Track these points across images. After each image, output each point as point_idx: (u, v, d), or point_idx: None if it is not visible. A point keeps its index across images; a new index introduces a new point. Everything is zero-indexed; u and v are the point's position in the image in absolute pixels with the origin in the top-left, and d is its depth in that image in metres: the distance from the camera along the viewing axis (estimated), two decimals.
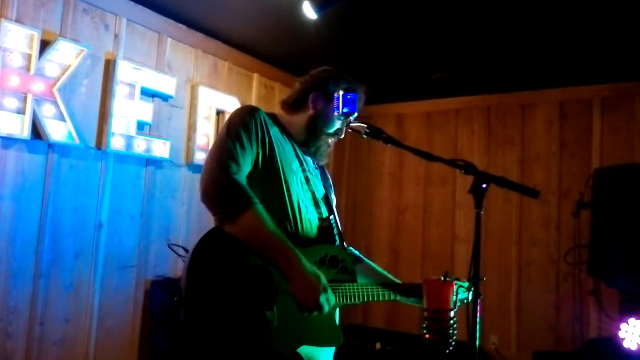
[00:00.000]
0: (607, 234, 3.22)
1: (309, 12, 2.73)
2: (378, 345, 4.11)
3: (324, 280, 1.38)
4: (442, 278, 1.47)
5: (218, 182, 1.38)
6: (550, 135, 4.16)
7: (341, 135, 1.69)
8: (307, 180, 1.62)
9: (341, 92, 1.57)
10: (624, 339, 3.05)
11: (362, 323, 4.70)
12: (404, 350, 3.96)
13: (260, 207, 1.37)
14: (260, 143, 1.50)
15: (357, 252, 1.79)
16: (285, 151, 1.57)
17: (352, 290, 1.51)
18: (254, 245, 1.35)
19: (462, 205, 4.45)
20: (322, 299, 1.36)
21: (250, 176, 1.47)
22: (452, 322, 1.42)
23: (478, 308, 1.30)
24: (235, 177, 1.39)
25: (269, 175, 1.50)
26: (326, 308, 1.38)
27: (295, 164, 1.59)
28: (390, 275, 1.70)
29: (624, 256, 3.09)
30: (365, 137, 1.57)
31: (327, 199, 1.69)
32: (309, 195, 1.61)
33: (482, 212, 1.34)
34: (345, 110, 1.57)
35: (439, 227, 4.58)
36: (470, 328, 1.30)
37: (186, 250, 1.37)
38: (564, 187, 4.03)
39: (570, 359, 3.53)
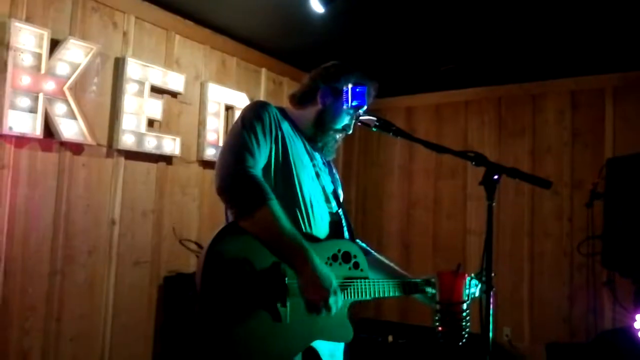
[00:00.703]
0: (621, 224, 3.18)
1: (317, 5, 2.72)
2: (390, 338, 4.11)
3: (334, 282, 1.38)
4: (455, 270, 1.46)
5: (235, 176, 1.37)
6: (561, 126, 4.11)
7: (349, 131, 1.68)
8: (318, 175, 1.63)
9: (350, 85, 1.57)
10: (639, 329, 3.02)
11: (375, 316, 4.70)
12: (416, 343, 3.95)
13: (275, 204, 1.37)
14: (274, 138, 1.50)
15: (364, 245, 1.79)
16: (297, 146, 1.57)
17: (363, 287, 1.51)
18: (268, 241, 1.35)
19: (474, 197, 4.42)
20: (332, 300, 1.36)
21: (264, 170, 1.47)
22: (464, 314, 1.42)
23: (491, 301, 1.30)
24: (252, 171, 1.38)
25: (282, 170, 1.50)
26: (334, 310, 1.37)
27: (306, 159, 1.59)
28: (398, 268, 1.70)
29: (638, 246, 3.06)
30: (374, 130, 1.57)
31: (335, 193, 1.69)
32: (320, 190, 1.61)
33: (493, 204, 1.33)
34: (354, 103, 1.56)
35: (450, 220, 4.56)
36: (483, 320, 1.29)
37: (199, 246, 1.37)
38: (576, 178, 3.99)
39: (584, 351, 3.50)
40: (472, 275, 1.52)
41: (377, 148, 5.00)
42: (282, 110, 1.63)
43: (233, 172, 1.38)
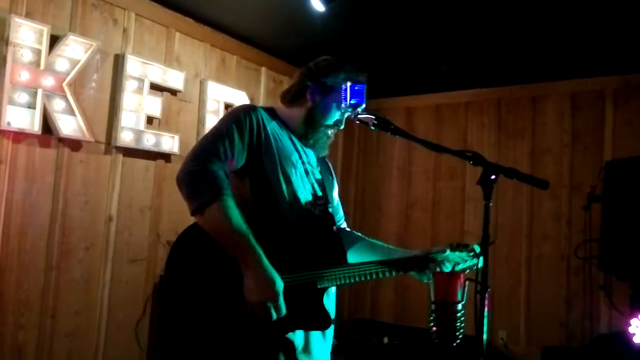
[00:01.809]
0: (618, 227, 3.18)
1: (317, 4, 2.72)
2: (386, 340, 4.11)
3: (278, 286, 1.34)
4: (450, 271, 1.46)
5: (190, 172, 1.37)
6: (561, 128, 4.11)
7: (341, 126, 1.68)
8: (307, 172, 1.63)
9: (349, 84, 1.57)
10: (634, 334, 3.01)
11: (370, 317, 4.70)
12: (411, 344, 3.95)
13: (228, 200, 1.35)
14: (256, 139, 1.49)
15: (358, 234, 1.79)
16: (284, 145, 1.58)
17: (341, 273, 1.47)
18: (217, 238, 1.35)
19: (472, 199, 4.42)
20: (268, 304, 1.32)
21: (249, 172, 1.48)
22: (459, 314, 1.41)
23: (486, 301, 1.30)
24: (211, 166, 1.37)
25: (268, 169, 1.50)
26: (274, 316, 1.33)
27: (295, 157, 1.59)
28: (399, 249, 1.68)
29: (635, 250, 3.06)
30: (373, 128, 1.56)
31: (325, 190, 1.69)
32: (309, 186, 1.62)
33: (490, 204, 1.33)
34: (353, 101, 1.56)
35: (448, 221, 4.56)
36: (478, 322, 1.29)
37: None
38: (575, 180, 3.99)
39: (579, 354, 3.50)
40: (463, 248, 1.50)
41: (377, 149, 5.00)
42: (271, 111, 1.64)
43: (190, 168, 1.38)
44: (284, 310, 1.35)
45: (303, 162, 1.62)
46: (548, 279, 4.03)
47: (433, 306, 1.44)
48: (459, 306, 1.42)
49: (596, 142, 3.93)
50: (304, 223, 1.54)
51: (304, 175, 1.60)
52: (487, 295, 1.30)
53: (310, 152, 1.69)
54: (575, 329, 3.82)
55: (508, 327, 4.13)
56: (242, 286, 1.33)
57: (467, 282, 1.43)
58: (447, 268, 1.49)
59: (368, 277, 1.50)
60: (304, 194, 1.58)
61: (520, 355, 4.04)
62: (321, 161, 1.74)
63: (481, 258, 1.32)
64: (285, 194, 1.51)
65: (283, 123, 1.63)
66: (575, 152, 4.02)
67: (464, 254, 1.50)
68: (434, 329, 1.42)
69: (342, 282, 1.47)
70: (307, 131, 1.63)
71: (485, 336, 1.30)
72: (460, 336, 1.42)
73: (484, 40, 3.40)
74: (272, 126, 1.56)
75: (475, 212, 4.41)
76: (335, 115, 1.64)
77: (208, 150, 1.40)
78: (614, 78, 3.88)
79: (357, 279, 1.49)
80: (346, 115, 1.66)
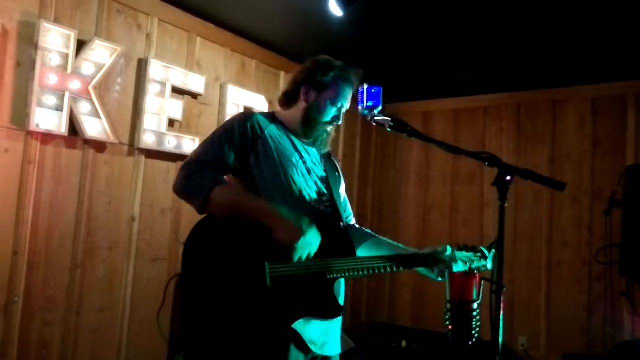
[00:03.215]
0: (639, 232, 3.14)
1: (335, 9, 2.75)
2: (404, 343, 4.10)
3: (306, 220, 1.45)
4: (466, 270, 1.47)
5: (184, 177, 1.50)
6: (582, 133, 4.07)
7: (339, 122, 1.72)
8: (309, 171, 1.67)
9: (365, 86, 1.60)
10: None
11: (388, 321, 4.69)
12: (429, 348, 3.94)
13: (225, 183, 1.49)
14: (251, 144, 1.58)
15: (368, 230, 1.81)
16: (284, 146, 1.63)
17: (350, 265, 1.51)
18: (234, 213, 1.46)
19: (491, 204, 4.39)
20: (309, 235, 1.43)
21: (251, 175, 1.56)
22: (475, 313, 1.42)
23: (502, 300, 1.30)
24: (201, 168, 1.49)
25: (269, 171, 1.57)
26: (314, 244, 1.44)
27: (295, 157, 1.64)
28: (408, 248, 1.69)
29: None
30: (389, 130, 1.58)
31: (331, 187, 1.72)
32: (312, 184, 1.65)
33: (506, 205, 1.34)
34: (369, 104, 1.59)
35: (466, 226, 4.54)
36: (494, 321, 1.30)
37: None
38: (596, 186, 3.94)
39: None
40: (471, 250, 1.51)
41: (394, 153, 5.01)
42: (270, 115, 1.72)
43: (184, 173, 1.50)
44: (317, 240, 1.46)
45: (305, 162, 1.66)
46: (569, 285, 3.98)
47: (449, 305, 1.46)
48: (475, 305, 1.43)
49: (617, 148, 3.88)
50: (311, 219, 1.57)
51: (306, 174, 1.64)
52: (502, 295, 1.31)
53: (313, 151, 1.73)
54: (597, 335, 3.76)
55: (528, 333, 4.09)
56: (253, 273, 1.40)
57: (482, 282, 1.44)
58: (458, 267, 1.50)
59: (377, 271, 1.53)
60: (309, 192, 1.62)
61: None
62: (326, 158, 1.78)
63: (489, 260, 1.33)
64: (289, 193, 1.56)
65: (282, 125, 1.69)
66: (596, 158, 3.98)
67: (470, 254, 1.51)
68: (450, 327, 1.44)
69: (351, 274, 1.50)
70: (305, 130, 1.68)
71: (501, 337, 1.31)
72: (476, 335, 1.43)
73: (502, 45, 3.39)
74: (270, 130, 1.63)
75: (494, 217, 4.36)
76: (332, 112, 1.68)
77: (198, 157, 1.53)
78: (636, 82, 3.83)
79: (365, 272, 1.52)
80: (343, 110, 1.71)
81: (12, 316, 2.41)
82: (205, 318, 1.34)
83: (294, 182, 1.59)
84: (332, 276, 1.48)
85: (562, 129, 4.17)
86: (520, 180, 1.38)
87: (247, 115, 1.64)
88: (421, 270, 1.61)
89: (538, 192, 4.16)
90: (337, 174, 1.81)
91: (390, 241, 1.76)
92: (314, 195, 1.63)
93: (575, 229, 4.00)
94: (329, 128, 1.71)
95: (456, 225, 4.60)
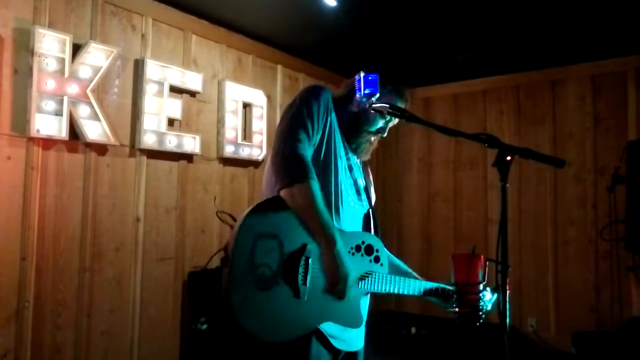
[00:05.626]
0: None
1: None
2: (413, 330, 4.12)
3: (351, 273, 1.43)
4: (471, 252, 1.48)
5: (284, 155, 1.46)
6: (583, 111, 4.05)
7: (384, 134, 1.72)
8: (351, 168, 1.67)
9: (362, 74, 1.59)
10: None
11: (397, 308, 4.71)
12: (439, 334, 3.95)
13: (315, 184, 1.44)
14: (325, 123, 1.57)
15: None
16: (338, 137, 1.63)
17: (381, 280, 1.55)
18: (303, 214, 1.43)
19: (494, 187, 4.38)
20: (340, 287, 1.41)
21: (313, 153, 1.54)
22: (481, 294, 1.43)
23: (507, 281, 1.31)
24: (300, 151, 1.46)
25: (324, 156, 1.57)
26: (342, 296, 1.43)
27: (343, 152, 1.65)
28: (414, 273, 1.73)
29: None
30: (387, 116, 1.58)
31: (367, 190, 1.73)
32: (351, 182, 1.66)
33: (507, 185, 1.34)
34: (367, 91, 1.58)
35: (470, 210, 4.54)
36: (500, 302, 1.30)
37: (234, 219, 1.44)
38: (599, 164, 3.93)
39: (611, 339, 3.45)
40: (489, 288, 1.54)
41: (396, 140, 5.00)
42: (332, 100, 1.68)
43: (283, 151, 1.47)
44: (351, 294, 1.45)
45: (348, 159, 1.67)
46: (575, 263, 3.98)
47: (454, 287, 1.46)
48: (481, 286, 1.44)
49: (619, 124, 3.86)
50: (351, 214, 1.61)
51: (347, 170, 1.65)
52: (507, 275, 1.31)
53: (352, 154, 1.73)
54: (606, 312, 3.77)
55: (537, 314, 4.10)
56: (300, 269, 1.40)
57: (487, 263, 1.45)
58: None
59: (401, 292, 1.61)
60: (346, 188, 1.63)
61: (551, 342, 4.01)
62: (362, 164, 1.79)
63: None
64: (332, 185, 1.57)
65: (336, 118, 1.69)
66: (598, 136, 3.96)
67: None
68: (457, 310, 1.44)
69: (380, 290, 1.55)
70: (350, 134, 1.68)
71: (508, 317, 1.31)
72: (483, 316, 1.44)
73: (498, 26, 3.37)
74: (333, 116, 1.63)
75: (498, 200, 4.35)
76: (379, 123, 1.68)
77: (294, 134, 1.49)
78: (636, 57, 3.80)
79: (392, 290, 1.58)
80: (390, 124, 1.70)
81: (23, 321, 2.43)
82: (238, 291, 1.33)
83: (339, 176, 1.59)
84: (366, 289, 1.52)
85: (563, 108, 4.15)
86: (523, 162, 1.38)
87: (325, 90, 1.62)
88: (435, 300, 1.67)
89: (541, 172, 4.15)
90: (370, 183, 1.81)
91: (400, 263, 1.77)
92: (353, 195, 1.64)
93: (580, 208, 3.99)
94: (372, 138, 1.71)
95: (460, 210, 4.60)
